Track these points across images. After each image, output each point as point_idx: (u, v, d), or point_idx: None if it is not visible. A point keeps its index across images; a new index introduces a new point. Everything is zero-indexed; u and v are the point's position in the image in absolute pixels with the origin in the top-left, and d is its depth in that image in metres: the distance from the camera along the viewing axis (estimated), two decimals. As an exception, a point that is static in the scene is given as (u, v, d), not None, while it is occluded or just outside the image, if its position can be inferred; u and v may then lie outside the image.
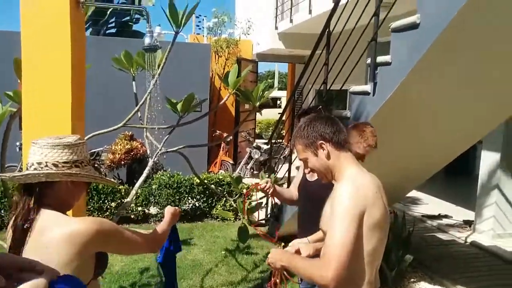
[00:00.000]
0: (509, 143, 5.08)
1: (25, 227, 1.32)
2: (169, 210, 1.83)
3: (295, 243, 2.06)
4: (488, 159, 5.21)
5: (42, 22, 2.32)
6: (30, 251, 1.28)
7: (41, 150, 1.37)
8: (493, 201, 5.15)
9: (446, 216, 6.13)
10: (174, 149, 3.56)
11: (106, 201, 5.43)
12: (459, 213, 6.19)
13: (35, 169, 1.35)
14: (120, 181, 6.27)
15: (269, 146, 6.31)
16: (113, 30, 13.83)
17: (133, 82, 3.82)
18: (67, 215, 1.42)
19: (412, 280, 4.05)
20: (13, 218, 1.36)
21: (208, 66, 8.45)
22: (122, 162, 6.38)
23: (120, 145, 6.42)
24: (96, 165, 6.78)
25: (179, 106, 3.29)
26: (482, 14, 2.48)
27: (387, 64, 3.12)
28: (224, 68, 9.32)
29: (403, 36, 2.93)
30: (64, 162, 1.37)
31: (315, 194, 2.35)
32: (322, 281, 1.38)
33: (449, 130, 3.62)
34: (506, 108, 3.54)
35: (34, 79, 2.34)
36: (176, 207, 1.90)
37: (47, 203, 1.36)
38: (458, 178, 8.36)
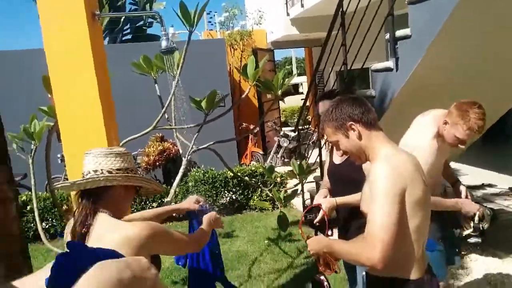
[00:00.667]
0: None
1: (83, 231, 1.42)
2: (207, 217, 1.91)
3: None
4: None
5: (63, 38, 2.43)
6: None
7: (96, 159, 1.49)
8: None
9: (490, 185, 5.91)
10: (205, 146, 3.64)
11: (147, 202, 5.62)
12: (503, 181, 5.91)
13: (91, 176, 1.46)
14: (157, 181, 6.47)
15: (296, 133, 6.32)
16: (129, 36, 14.07)
17: (156, 85, 3.91)
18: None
19: (462, 253, 3.97)
20: (72, 224, 1.46)
21: (224, 60, 8.50)
22: (157, 163, 6.58)
23: (153, 147, 6.62)
24: (134, 169, 7.00)
25: (203, 104, 3.36)
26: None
27: (407, 37, 3.08)
28: (240, 61, 9.35)
29: (421, 6, 2.89)
30: (117, 169, 1.49)
31: (345, 176, 2.35)
32: (369, 263, 1.39)
33: (479, 97, 3.53)
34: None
35: (64, 93, 2.46)
36: (214, 214, 1.95)
37: (103, 209, 1.46)
38: (496, 145, 8.04)
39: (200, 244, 1.77)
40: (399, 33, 3.18)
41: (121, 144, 3.02)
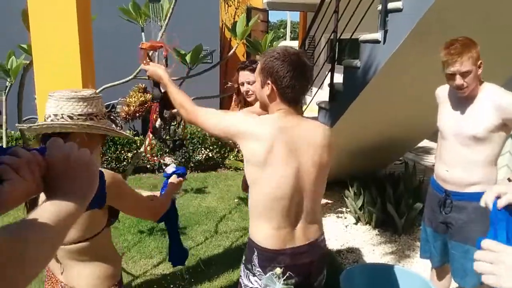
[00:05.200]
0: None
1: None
2: (172, 181, 1.90)
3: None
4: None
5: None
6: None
7: (57, 103, 1.41)
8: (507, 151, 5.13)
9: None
10: (185, 100, 3.60)
11: (122, 151, 5.61)
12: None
13: (51, 120, 1.41)
14: (135, 132, 6.43)
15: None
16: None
17: (142, 34, 3.80)
18: None
19: (421, 227, 4.13)
20: None
21: (217, 16, 8.28)
22: (137, 114, 6.51)
23: (134, 97, 6.52)
24: (112, 117, 6.93)
25: (187, 58, 3.31)
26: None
27: (398, 10, 3.04)
28: (234, 18, 9.12)
29: (415, -21, 2.83)
30: (79, 115, 1.41)
31: None
32: (186, 115, 1.77)
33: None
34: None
35: (42, 31, 2.37)
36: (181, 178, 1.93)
37: None
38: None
39: (158, 213, 1.73)
40: (391, 5, 3.13)
41: (97, 91, 2.96)
